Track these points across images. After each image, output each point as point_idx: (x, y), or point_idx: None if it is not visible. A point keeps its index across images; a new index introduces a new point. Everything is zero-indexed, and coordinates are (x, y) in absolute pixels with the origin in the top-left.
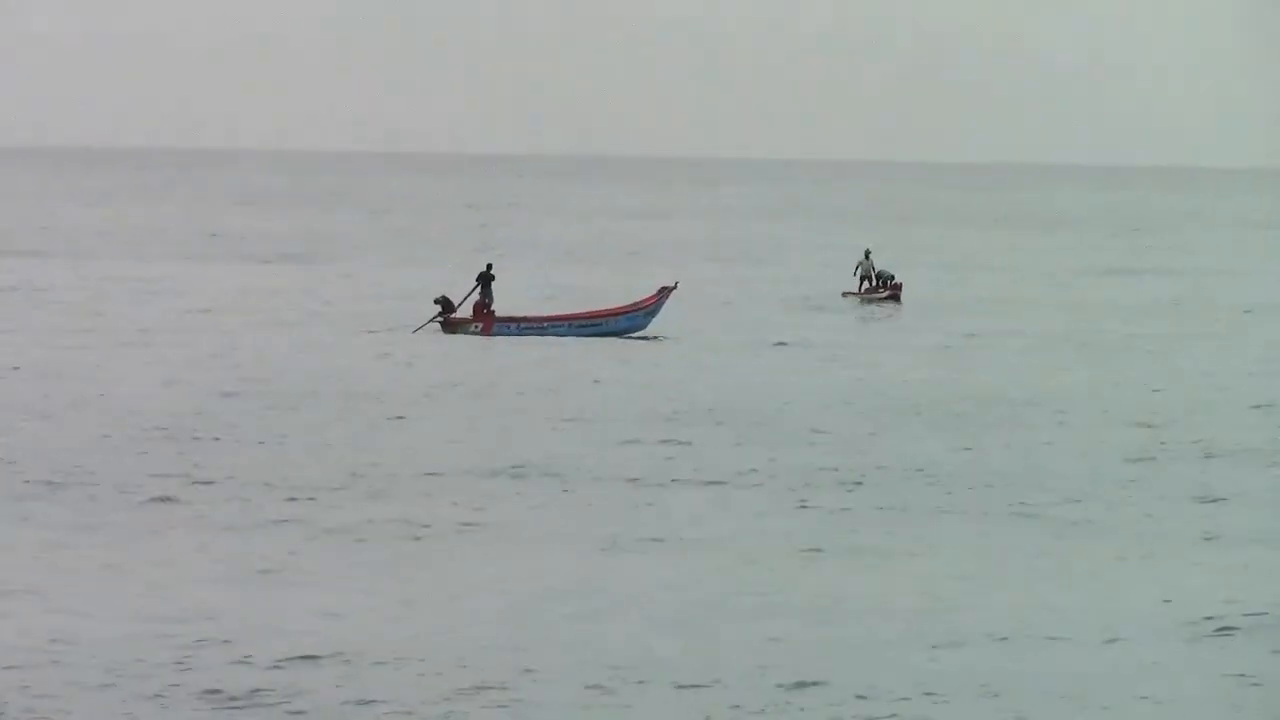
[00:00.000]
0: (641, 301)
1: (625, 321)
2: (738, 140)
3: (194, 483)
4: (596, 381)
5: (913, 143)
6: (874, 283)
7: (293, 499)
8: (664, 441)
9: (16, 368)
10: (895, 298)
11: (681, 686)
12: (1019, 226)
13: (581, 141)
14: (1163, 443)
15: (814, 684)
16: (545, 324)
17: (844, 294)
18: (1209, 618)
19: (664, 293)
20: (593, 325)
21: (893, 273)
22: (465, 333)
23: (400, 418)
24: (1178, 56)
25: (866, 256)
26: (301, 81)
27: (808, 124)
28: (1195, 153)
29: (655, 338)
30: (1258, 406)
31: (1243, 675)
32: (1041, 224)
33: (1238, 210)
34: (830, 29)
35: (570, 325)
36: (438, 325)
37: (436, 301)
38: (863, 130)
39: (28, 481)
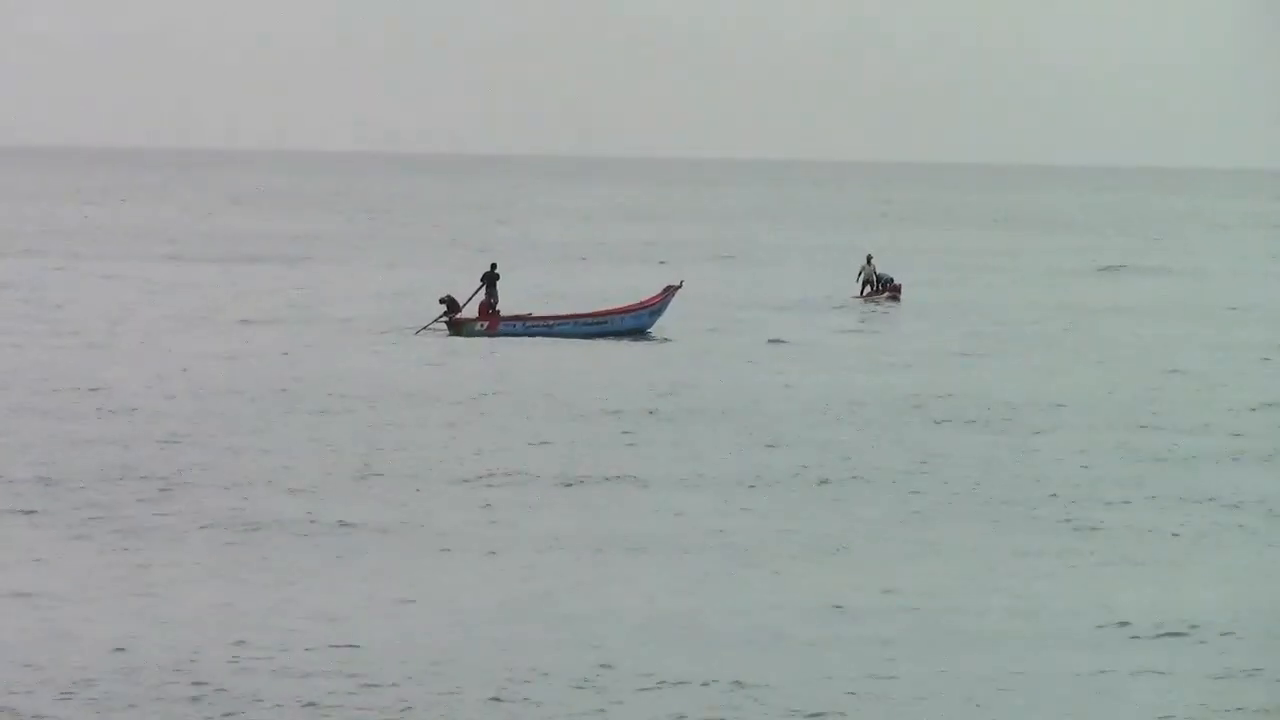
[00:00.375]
0: (647, 300)
1: (631, 320)
2: (737, 141)
3: (193, 483)
4: (597, 382)
5: (913, 143)
6: (876, 287)
7: (293, 499)
8: (663, 442)
9: (15, 369)
10: (894, 298)
11: (679, 686)
12: (1018, 227)
13: (581, 141)
14: (1161, 443)
15: (812, 683)
16: (551, 323)
17: (851, 298)
18: (1207, 617)
19: (669, 291)
20: (598, 324)
21: (891, 275)
22: (470, 333)
23: (402, 418)
24: (1178, 56)
25: (868, 262)
26: (301, 81)
27: (808, 124)
28: (1195, 153)
29: (656, 338)
30: (1256, 407)
31: (1240, 674)
32: (1041, 224)
33: (1238, 211)
34: (830, 29)
35: (576, 324)
36: (443, 325)
37: (442, 301)
38: (863, 130)
39: (24, 481)
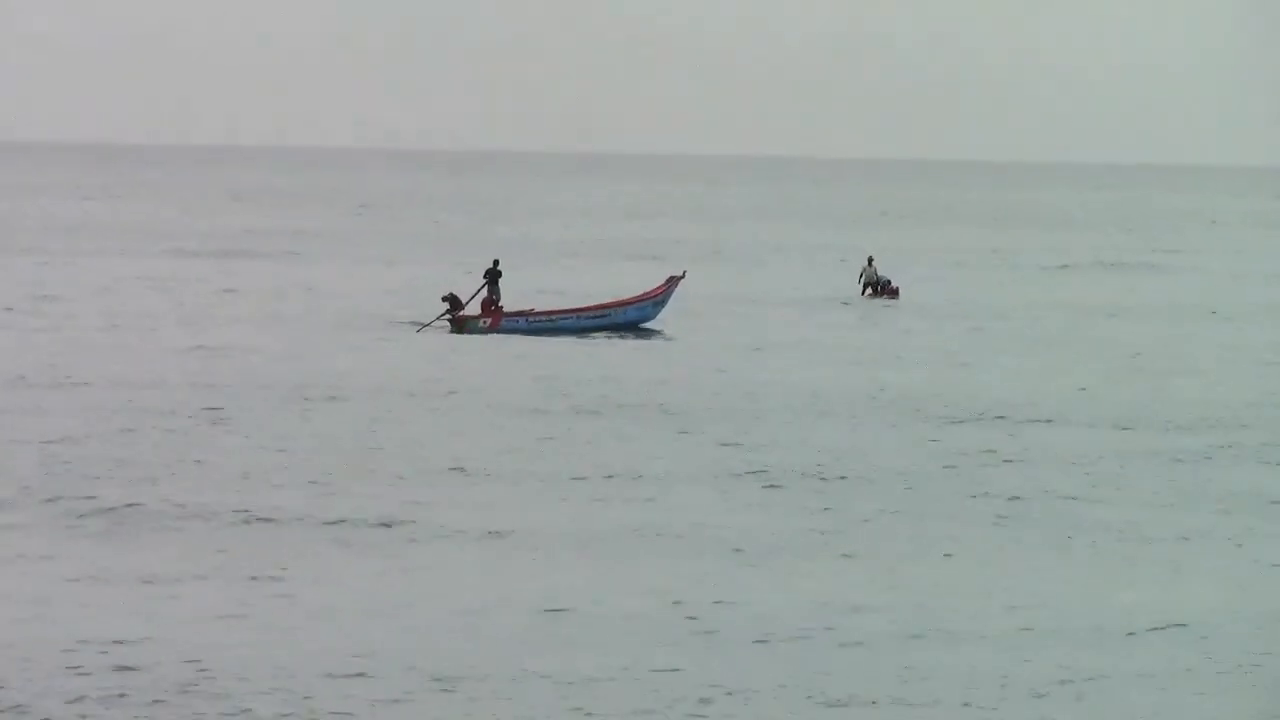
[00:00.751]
0: (650, 291)
1: (634, 312)
2: (738, 139)
3: (192, 479)
4: (596, 379)
5: (912, 141)
6: (877, 290)
7: (294, 496)
8: (662, 439)
9: (15, 365)
10: (893, 298)
11: (676, 683)
12: (1018, 225)
13: (582, 142)
14: (1161, 442)
15: (810, 681)
16: (554, 317)
17: (857, 298)
18: (1207, 617)
19: (672, 282)
20: (602, 317)
21: (889, 278)
22: (473, 330)
23: (402, 415)
24: (1178, 56)
25: (869, 263)
26: (301, 81)
27: (808, 123)
28: (1195, 151)
29: (656, 334)
30: (1256, 406)
31: (1240, 674)
32: (1041, 222)
33: (1238, 209)
34: (830, 29)
35: (579, 317)
36: (445, 323)
37: (444, 299)
38: (863, 129)
39: (20, 477)
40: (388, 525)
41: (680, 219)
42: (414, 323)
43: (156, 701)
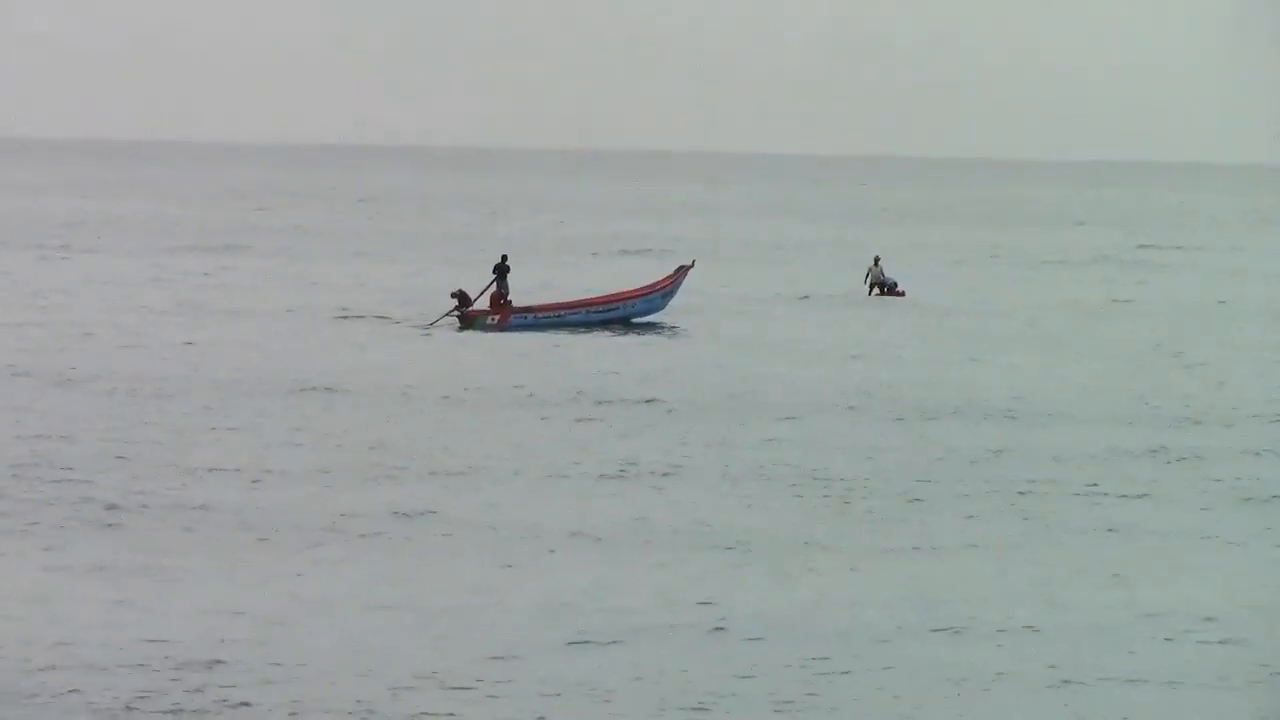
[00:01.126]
0: (658, 282)
1: (643, 304)
2: (738, 138)
3: (194, 477)
4: (598, 376)
5: (912, 139)
6: (883, 290)
7: (297, 493)
8: (664, 437)
9: (14, 360)
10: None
11: (677, 680)
12: (1019, 223)
13: (581, 140)
14: (1161, 440)
15: (808, 679)
16: (563, 312)
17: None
18: (1207, 615)
19: (681, 272)
20: (611, 310)
21: (895, 280)
22: (481, 326)
23: (406, 413)
24: (1178, 57)
25: (876, 263)
26: (302, 81)
27: (808, 123)
28: (1195, 149)
29: (660, 331)
30: (1257, 403)
31: (1241, 673)
32: (1042, 221)
33: (1238, 207)
34: (830, 29)
35: (588, 311)
36: (454, 319)
37: (453, 295)
38: (863, 128)
39: (17, 474)
40: (390, 522)
41: (681, 217)
42: (423, 320)
43: (155, 698)
